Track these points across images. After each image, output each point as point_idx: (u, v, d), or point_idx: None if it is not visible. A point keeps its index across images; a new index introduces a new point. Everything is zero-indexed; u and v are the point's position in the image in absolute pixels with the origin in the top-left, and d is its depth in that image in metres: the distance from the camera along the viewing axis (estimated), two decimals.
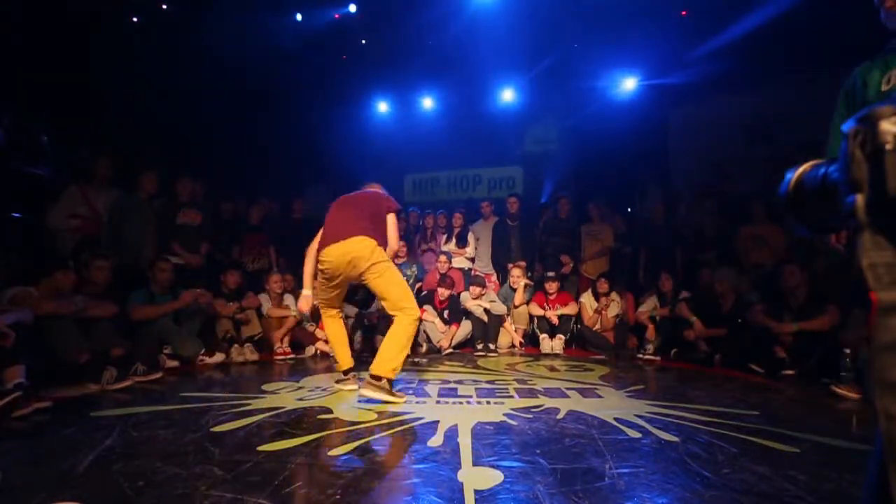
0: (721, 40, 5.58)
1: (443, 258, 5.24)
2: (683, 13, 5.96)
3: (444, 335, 4.68)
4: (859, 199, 0.57)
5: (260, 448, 1.77)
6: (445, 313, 4.90)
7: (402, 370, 3.70)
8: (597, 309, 4.91)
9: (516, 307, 5.06)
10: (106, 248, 3.93)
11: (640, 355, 4.41)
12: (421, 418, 2.21)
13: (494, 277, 5.62)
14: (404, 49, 6.81)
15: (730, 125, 6.20)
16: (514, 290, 5.11)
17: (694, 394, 2.84)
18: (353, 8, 6.27)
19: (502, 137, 7.72)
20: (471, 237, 5.69)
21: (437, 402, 2.59)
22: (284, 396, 2.70)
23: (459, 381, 3.19)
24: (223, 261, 4.87)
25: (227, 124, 6.25)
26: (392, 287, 2.71)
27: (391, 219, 2.87)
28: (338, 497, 1.35)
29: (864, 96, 1.76)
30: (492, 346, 4.76)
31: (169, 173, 4.57)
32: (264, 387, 2.97)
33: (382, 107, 7.91)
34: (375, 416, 2.26)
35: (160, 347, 3.70)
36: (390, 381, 2.61)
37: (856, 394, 2.76)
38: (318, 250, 2.78)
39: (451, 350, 4.59)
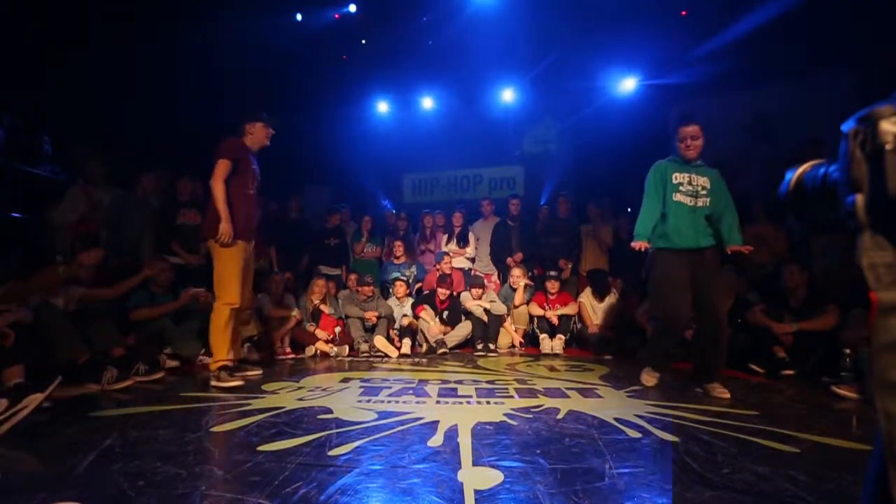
0: (721, 40, 5.58)
1: (446, 259, 5.25)
2: (683, 13, 5.97)
3: (444, 335, 4.69)
4: (859, 199, 0.57)
5: (260, 448, 1.77)
6: (445, 314, 4.90)
7: (403, 370, 3.72)
8: (600, 325, 4.89)
9: (516, 307, 5.06)
10: (105, 247, 3.92)
11: (641, 355, 4.40)
12: (421, 418, 2.21)
13: (495, 277, 5.62)
14: (404, 49, 6.81)
15: (730, 125, 6.20)
16: (515, 290, 5.11)
17: (694, 394, 2.84)
18: (353, 8, 6.28)
19: (502, 137, 7.72)
20: (471, 237, 5.69)
21: (437, 402, 2.59)
22: (284, 396, 2.70)
23: (459, 381, 3.19)
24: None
25: (228, 124, 6.26)
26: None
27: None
28: (338, 497, 1.35)
29: (666, 185, 2.86)
30: (492, 346, 4.76)
31: (169, 173, 4.57)
32: (264, 387, 2.96)
33: (382, 107, 7.91)
34: (375, 415, 2.26)
35: (160, 347, 3.70)
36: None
37: (856, 394, 2.76)
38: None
39: (446, 350, 4.58)
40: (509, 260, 5.43)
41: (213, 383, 2.95)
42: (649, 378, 3.06)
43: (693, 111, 6.43)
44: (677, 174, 2.86)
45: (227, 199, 3.07)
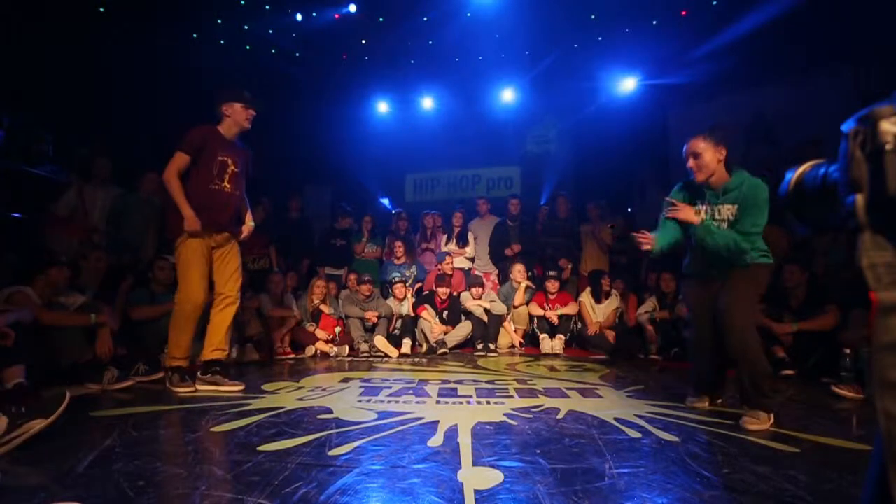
0: (721, 40, 5.58)
1: (447, 259, 5.25)
2: (683, 13, 5.96)
3: (445, 336, 4.69)
4: (859, 199, 0.57)
5: (260, 448, 1.77)
6: (445, 314, 4.90)
7: (403, 370, 3.71)
8: (601, 324, 4.88)
9: (516, 307, 5.06)
10: (106, 247, 3.93)
11: (641, 356, 4.40)
12: (421, 418, 2.21)
13: (494, 276, 5.62)
14: (404, 49, 6.81)
15: (730, 125, 6.19)
16: (515, 289, 5.11)
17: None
18: (353, 8, 6.27)
19: (502, 137, 7.72)
20: (470, 237, 5.69)
21: (437, 402, 2.59)
22: (284, 396, 2.70)
23: (459, 381, 3.19)
24: None
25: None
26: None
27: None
28: (338, 497, 1.35)
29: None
30: (492, 346, 4.76)
31: None
32: (264, 387, 2.96)
33: (382, 107, 7.91)
34: (375, 415, 2.26)
35: (161, 347, 3.69)
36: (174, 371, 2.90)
37: (856, 394, 2.76)
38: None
39: (446, 350, 4.58)
40: (508, 251, 5.41)
41: (167, 385, 2.85)
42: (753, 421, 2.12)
43: (693, 111, 6.45)
44: (698, 202, 2.32)
45: (184, 193, 2.82)
